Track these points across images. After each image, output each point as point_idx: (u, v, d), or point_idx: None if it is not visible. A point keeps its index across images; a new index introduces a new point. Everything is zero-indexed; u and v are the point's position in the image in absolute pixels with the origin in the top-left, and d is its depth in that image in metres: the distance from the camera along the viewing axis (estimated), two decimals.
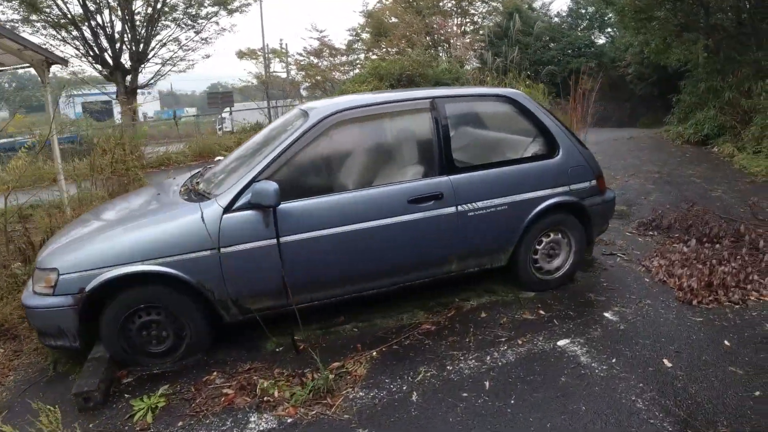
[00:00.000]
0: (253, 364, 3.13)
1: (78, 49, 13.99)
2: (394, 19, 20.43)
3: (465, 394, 2.65)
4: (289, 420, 2.55)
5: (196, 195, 3.27)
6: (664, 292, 3.68)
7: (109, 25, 13.91)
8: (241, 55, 19.41)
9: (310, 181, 3.19)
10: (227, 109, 20.51)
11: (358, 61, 20.37)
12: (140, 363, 3.06)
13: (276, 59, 20.38)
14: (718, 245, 4.23)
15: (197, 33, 15.49)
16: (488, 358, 2.96)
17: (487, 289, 3.82)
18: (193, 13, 15.17)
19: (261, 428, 2.51)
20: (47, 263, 2.91)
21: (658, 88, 16.64)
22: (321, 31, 25.32)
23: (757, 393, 2.56)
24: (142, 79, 15.30)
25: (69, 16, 13.34)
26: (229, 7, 15.54)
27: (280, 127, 3.51)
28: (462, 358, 2.97)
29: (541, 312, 3.45)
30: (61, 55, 15.40)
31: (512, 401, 2.57)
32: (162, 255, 2.87)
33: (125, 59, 14.37)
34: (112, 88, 15.23)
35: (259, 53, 19.73)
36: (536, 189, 3.46)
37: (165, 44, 15.09)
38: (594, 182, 3.68)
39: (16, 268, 4.29)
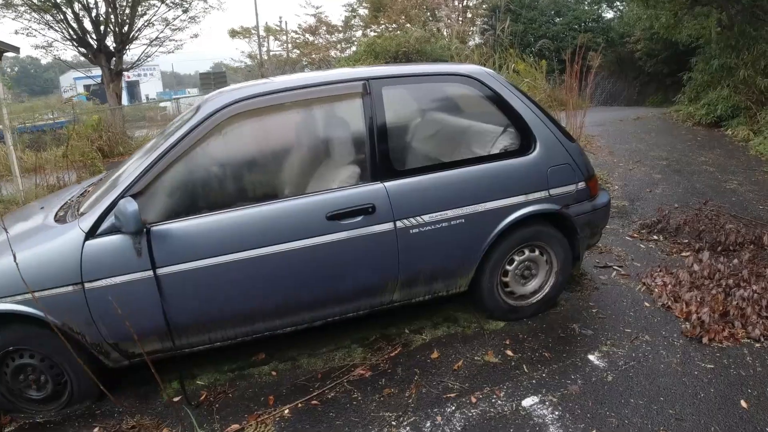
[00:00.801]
0: (141, 420, 2.43)
1: (62, 33, 13.18)
2: None
3: None
4: None
5: (72, 215, 2.50)
6: (668, 323, 2.87)
7: (94, 6, 13.06)
8: (233, 33, 18.39)
9: (199, 195, 2.40)
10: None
11: (354, 39, 19.28)
12: (21, 410, 2.49)
13: (270, 37, 19.32)
14: (735, 260, 3.38)
15: (185, 11, 14.53)
16: (428, 424, 2.20)
17: (447, 316, 3.04)
18: None
19: None
20: None
21: (668, 65, 15.46)
22: (317, 8, 24.09)
23: None
24: (129, 60, 14.47)
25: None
26: None
27: (177, 123, 2.70)
28: (394, 423, 2.21)
29: (509, 352, 2.67)
30: (44, 39, 14.83)
31: None
32: (20, 291, 2.18)
33: (110, 41, 13.53)
34: (98, 71, 14.43)
35: (253, 31, 18.71)
36: (504, 196, 2.63)
37: (151, 24, 14.18)
38: (582, 185, 2.83)
39: None
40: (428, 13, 18.67)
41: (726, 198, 5.03)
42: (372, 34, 18.14)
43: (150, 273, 2.24)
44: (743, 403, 2.23)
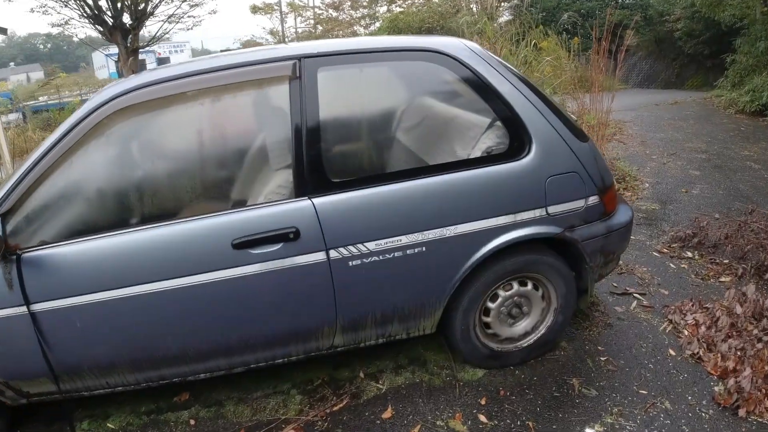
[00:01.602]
0: None
1: (78, 10, 12.75)
2: None
3: None
4: None
5: None
6: (696, 382, 2.13)
7: None
8: (254, 9, 17.63)
9: (79, 214, 1.80)
10: None
11: (379, 15, 18.21)
12: None
13: (293, 13, 18.49)
14: None
15: None
16: None
17: (415, 356, 2.37)
18: None
19: None
20: None
21: (709, 46, 13.89)
22: None
23: None
24: (146, 37, 13.99)
25: None
26: None
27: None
28: None
29: (482, 417, 1.99)
30: (60, 17, 14.28)
31: None
32: None
33: (126, 18, 13.03)
34: (114, 49, 14.02)
35: (276, 7, 17.90)
36: (484, 215, 1.91)
37: (167, 1, 13.60)
38: (594, 199, 2.07)
39: None
40: None
41: None
42: (397, 9, 17.08)
43: (24, 309, 1.70)
44: None
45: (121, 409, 2.23)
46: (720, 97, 9.48)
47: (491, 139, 1.98)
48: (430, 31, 13.15)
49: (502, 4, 17.40)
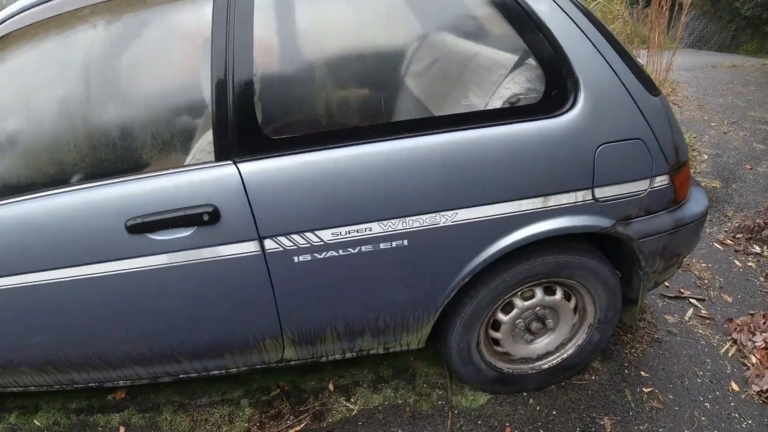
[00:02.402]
0: None
1: None
2: None
3: None
4: None
5: None
6: (764, 428, 1.50)
7: None
8: None
9: None
10: None
11: None
12: None
13: None
14: None
15: None
16: None
17: (402, 367, 1.80)
18: None
19: None
20: None
21: None
22: None
23: None
24: None
25: None
26: None
27: None
28: None
29: None
30: None
31: None
32: None
33: None
34: None
35: None
36: (499, 197, 1.25)
37: None
38: (663, 180, 1.38)
39: None
40: None
41: None
42: None
43: None
44: None
45: (52, 403, 1.80)
46: None
47: (519, 84, 1.29)
48: None
49: None
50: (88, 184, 1.21)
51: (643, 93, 1.31)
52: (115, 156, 1.26)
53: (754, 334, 1.90)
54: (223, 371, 1.50)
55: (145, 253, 1.21)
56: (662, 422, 1.57)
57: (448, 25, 1.49)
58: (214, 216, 1.17)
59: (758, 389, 1.67)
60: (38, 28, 1.21)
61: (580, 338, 1.61)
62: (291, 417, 1.64)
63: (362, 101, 1.31)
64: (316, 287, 1.29)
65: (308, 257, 1.23)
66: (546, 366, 1.63)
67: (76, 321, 1.31)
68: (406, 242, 1.24)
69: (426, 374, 1.76)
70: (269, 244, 1.21)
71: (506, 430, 1.54)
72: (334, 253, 1.23)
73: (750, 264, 2.45)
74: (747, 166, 3.73)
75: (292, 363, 1.49)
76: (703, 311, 2.09)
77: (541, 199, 1.27)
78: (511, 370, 1.61)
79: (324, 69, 1.32)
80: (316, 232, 1.21)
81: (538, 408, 1.62)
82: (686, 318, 2.06)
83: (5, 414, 1.78)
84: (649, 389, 1.69)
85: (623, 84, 1.28)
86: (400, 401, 1.67)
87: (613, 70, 1.27)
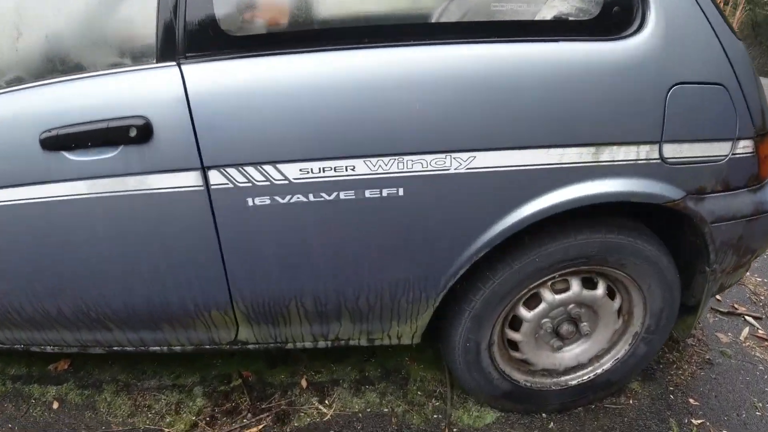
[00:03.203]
0: None
1: None
2: None
3: None
4: None
5: None
6: None
7: None
8: None
9: None
10: None
11: None
12: None
13: None
14: None
15: None
16: None
17: (393, 367, 1.42)
18: None
19: None
20: None
21: None
22: None
23: None
24: None
25: None
26: None
27: None
28: None
29: None
30: None
31: None
32: None
33: None
34: None
35: None
36: (533, 140, 0.86)
37: None
38: (747, 147, 0.99)
39: None
40: None
41: None
42: None
43: None
44: None
45: None
46: None
47: (569, 1, 0.92)
48: None
49: None
50: (15, 89, 0.90)
51: (728, 32, 0.94)
52: (39, 54, 0.94)
53: None
54: (165, 348, 1.16)
55: (60, 178, 0.89)
56: None
57: None
58: (145, 132, 0.83)
59: None
60: None
61: (620, 350, 1.21)
62: (249, 414, 1.28)
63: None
64: (276, 243, 0.93)
65: (267, 200, 0.87)
66: (574, 382, 1.24)
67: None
68: (401, 192, 0.87)
69: (422, 379, 1.38)
70: (215, 177, 0.86)
71: None
72: (302, 198, 0.87)
73: None
74: None
75: (251, 347, 1.14)
76: (760, 331, 1.67)
77: (590, 149, 0.89)
78: (529, 384, 1.22)
79: None
80: (279, 166, 0.85)
81: None
82: (742, 338, 1.64)
83: None
84: (699, 421, 1.29)
85: (704, 12, 0.90)
86: (386, 410, 1.29)
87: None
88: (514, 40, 0.86)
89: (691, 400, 1.37)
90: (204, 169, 0.85)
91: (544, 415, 1.27)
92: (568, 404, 1.27)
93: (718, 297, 1.86)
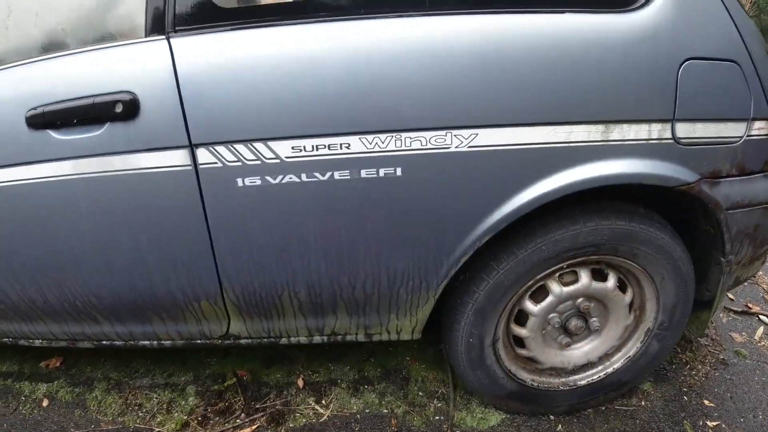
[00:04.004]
0: None
1: None
2: None
3: None
4: None
5: None
6: None
7: None
8: None
9: None
10: None
11: None
12: None
13: None
14: None
15: None
16: None
17: (393, 366, 1.34)
18: None
19: None
20: None
21: None
22: None
23: None
24: None
25: None
26: None
27: None
28: None
29: None
30: None
31: None
32: None
33: None
34: None
35: None
36: (537, 117, 0.80)
37: None
38: (764, 128, 0.92)
39: None
40: None
41: None
42: None
43: None
44: None
45: None
46: None
47: None
48: None
49: None
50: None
51: (739, 9, 0.89)
52: (27, 32, 0.90)
53: None
54: (156, 343, 1.09)
55: (45, 158, 0.84)
56: None
57: None
58: (131, 108, 0.78)
59: None
60: None
61: (632, 348, 1.13)
62: (242, 414, 1.21)
63: None
64: (267, 227, 0.86)
65: (257, 180, 0.81)
66: (583, 382, 1.15)
67: None
68: (399, 171, 0.81)
69: (423, 379, 1.30)
70: (204, 155, 0.80)
71: None
72: (295, 178, 0.81)
73: None
74: None
75: (243, 342, 1.07)
76: None
77: (600, 127, 0.82)
78: (536, 384, 1.14)
79: None
80: (270, 144, 0.79)
81: None
82: (756, 337, 1.55)
83: None
84: (714, 423, 1.20)
85: None
86: (386, 411, 1.21)
87: None
88: (517, 10, 0.80)
89: (706, 402, 1.27)
90: (192, 147, 0.79)
91: (551, 417, 1.18)
92: (576, 405, 1.18)
93: (731, 296, 1.78)
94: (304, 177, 0.81)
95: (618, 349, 1.15)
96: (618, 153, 0.85)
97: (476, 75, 0.78)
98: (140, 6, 0.81)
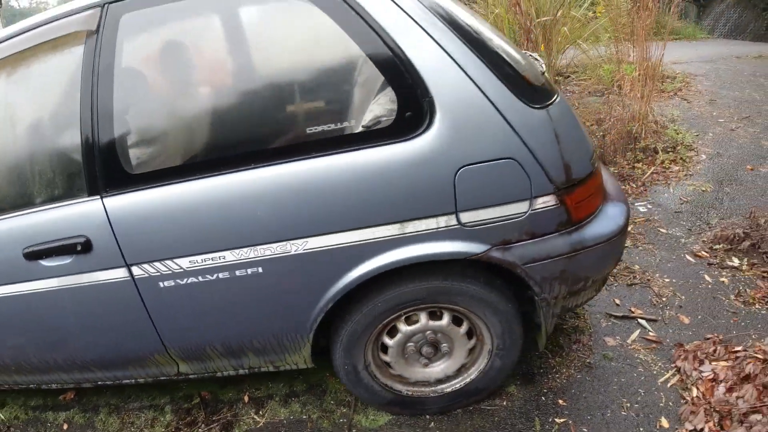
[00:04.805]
0: None
1: None
2: None
3: None
4: None
5: None
6: None
7: None
8: None
9: None
10: None
11: None
12: None
13: None
14: None
15: None
16: None
17: (316, 382, 1.73)
18: None
19: None
20: None
21: None
22: None
23: None
24: None
25: None
26: None
27: None
28: None
29: None
30: None
31: None
32: None
33: None
34: None
35: None
36: (350, 224, 1.16)
37: None
38: (549, 201, 1.21)
39: None
40: None
41: None
42: None
43: None
44: None
45: (16, 400, 1.91)
46: None
47: (382, 105, 1.20)
48: None
49: None
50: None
51: (519, 107, 1.15)
52: (16, 192, 1.34)
53: (701, 363, 1.67)
54: (133, 380, 1.53)
55: (39, 277, 1.28)
56: None
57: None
58: (87, 246, 1.21)
59: (691, 428, 1.45)
60: None
61: (481, 363, 1.47)
62: (203, 425, 1.63)
63: (209, 134, 1.25)
64: (183, 310, 1.27)
65: (172, 283, 1.22)
66: (449, 390, 1.51)
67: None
68: (260, 269, 1.19)
69: (337, 391, 1.69)
70: (137, 270, 1.23)
71: None
72: (195, 279, 1.21)
73: (723, 279, 2.17)
74: (748, 167, 3.33)
75: (191, 377, 1.49)
76: (651, 333, 1.86)
77: (396, 225, 1.16)
78: (410, 393, 1.51)
79: (176, 101, 1.30)
80: (176, 260, 1.20)
81: None
82: (629, 341, 1.84)
83: None
84: (562, 419, 1.53)
85: (490, 100, 1.13)
86: (305, 417, 1.62)
87: (477, 86, 1.13)
88: (326, 154, 1.13)
89: (560, 401, 1.57)
90: (128, 266, 1.22)
91: (427, 416, 1.55)
92: (446, 408, 1.53)
93: (617, 301, 2.07)
94: (200, 278, 1.20)
95: (471, 364, 1.49)
96: (414, 240, 1.17)
97: (300, 203, 1.13)
98: (82, 176, 1.22)
